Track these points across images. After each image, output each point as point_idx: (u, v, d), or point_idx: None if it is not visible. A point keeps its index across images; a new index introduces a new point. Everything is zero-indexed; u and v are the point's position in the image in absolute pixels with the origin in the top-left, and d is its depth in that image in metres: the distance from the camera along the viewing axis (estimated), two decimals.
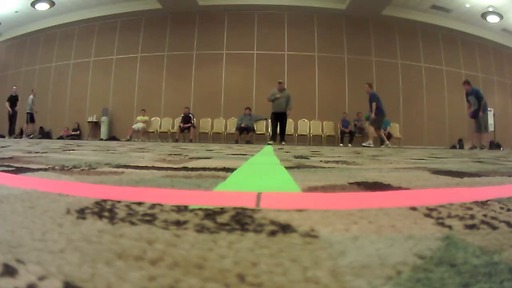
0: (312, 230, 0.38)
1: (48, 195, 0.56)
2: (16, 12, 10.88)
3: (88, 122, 11.16)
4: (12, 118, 9.86)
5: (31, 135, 9.97)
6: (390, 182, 0.82)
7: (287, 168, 1.16)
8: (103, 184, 0.72)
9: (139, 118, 10.17)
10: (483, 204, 0.54)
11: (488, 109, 11.43)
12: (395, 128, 10.31)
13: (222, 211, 0.46)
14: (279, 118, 8.16)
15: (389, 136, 10.02)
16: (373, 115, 7.60)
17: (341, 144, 9.54)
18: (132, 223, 0.40)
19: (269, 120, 8.69)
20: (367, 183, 0.81)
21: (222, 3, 10.63)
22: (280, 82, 8.27)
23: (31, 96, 9.94)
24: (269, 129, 9.11)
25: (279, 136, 8.26)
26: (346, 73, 10.84)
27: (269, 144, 7.52)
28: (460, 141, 10.98)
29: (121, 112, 11.02)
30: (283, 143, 8.01)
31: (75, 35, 11.81)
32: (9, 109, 9.72)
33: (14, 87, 10.17)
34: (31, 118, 9.95)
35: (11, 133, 9.88)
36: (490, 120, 11.35)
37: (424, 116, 10.88)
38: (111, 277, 0.24)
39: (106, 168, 1.06)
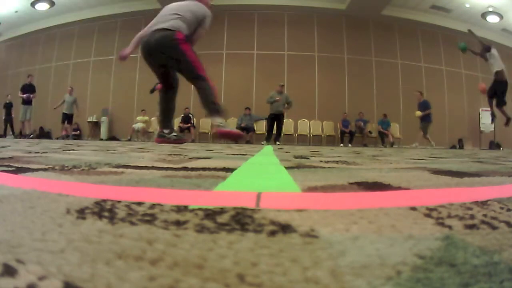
0: (312, 230, 0.38)
1: (48, 195, 0.56)
2: (16, 12, 10.88)
3: (88, 122, 11.16)
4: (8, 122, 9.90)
5: (31, 135, 9.96)
6: (390, 182, 0.81)
7: (287, 168, 1.16)
8: (103, 184, 0.72)
9: (139, 118, 10.17)
10: (483, 204, 0.54)
11: (486, 109, 11.45)
12: (395, 128, 10.30)
13: (222, 211, 0.46)
14: (277, 119, 8.21)
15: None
16: (419, 113, 8.56)
17: (341, 144, 9.54)
18: (132, 223, 0.39)
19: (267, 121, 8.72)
20: (367, 183, 0.81)
21: (222, 3, 10.63)
22: (281, 85, 8.32)
23: (69, 95, 9.52)
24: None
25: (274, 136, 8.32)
26: (346, 73, 10.84)
27: (262, 144, 7.53)
28: (460, 141, 10.98)
29: (121, 112, 11.02)
30: (278, 143, 8.04)
31: (75, 35, 11.81)
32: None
33: (8, 96, 10.13)
34: (68, 119, 9.52)
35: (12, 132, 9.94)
36: (490, 121, 11.35)
37: None
38: (111, 277, 0.24)
39: (106, 168, 1.06)
